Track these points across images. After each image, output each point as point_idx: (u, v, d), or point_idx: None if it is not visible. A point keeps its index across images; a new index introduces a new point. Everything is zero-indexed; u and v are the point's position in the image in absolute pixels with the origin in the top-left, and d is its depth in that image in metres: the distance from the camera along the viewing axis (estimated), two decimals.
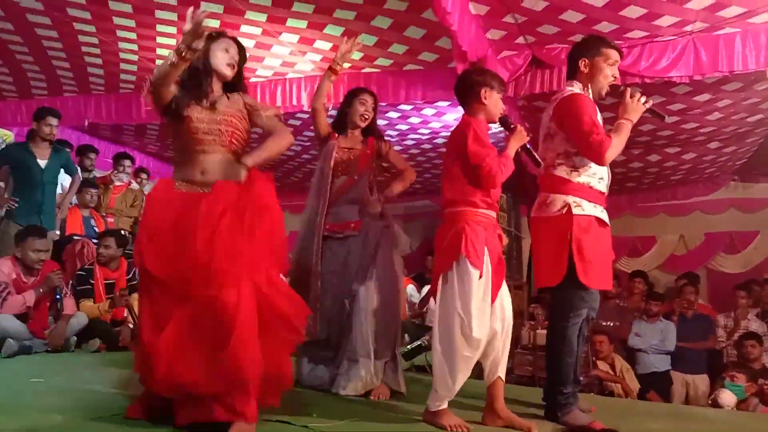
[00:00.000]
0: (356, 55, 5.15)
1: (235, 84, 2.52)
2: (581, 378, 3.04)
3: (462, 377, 2.41)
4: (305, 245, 3.28)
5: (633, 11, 4.10)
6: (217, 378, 2.04)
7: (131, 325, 4.58)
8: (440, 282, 2.50)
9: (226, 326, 2.05)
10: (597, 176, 2.69)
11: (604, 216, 2.69)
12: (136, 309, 5.04)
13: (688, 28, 4.28)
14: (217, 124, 2.37)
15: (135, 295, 5.09)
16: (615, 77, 2.78)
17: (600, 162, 2.63)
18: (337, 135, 3.39)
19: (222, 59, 2.44)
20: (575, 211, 2.60)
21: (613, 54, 2.76)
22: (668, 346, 5.78)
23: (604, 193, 2.73)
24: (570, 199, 2.63)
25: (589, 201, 2.65)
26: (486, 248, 2.46)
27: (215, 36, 2.47)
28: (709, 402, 4.92)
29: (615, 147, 2.60)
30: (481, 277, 2.40)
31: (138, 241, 2.36)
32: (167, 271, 2.16)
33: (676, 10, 4.06)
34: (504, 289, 2.55)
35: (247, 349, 2.05)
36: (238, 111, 2.45)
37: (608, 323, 6.18)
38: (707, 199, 8.46)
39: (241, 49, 2.52)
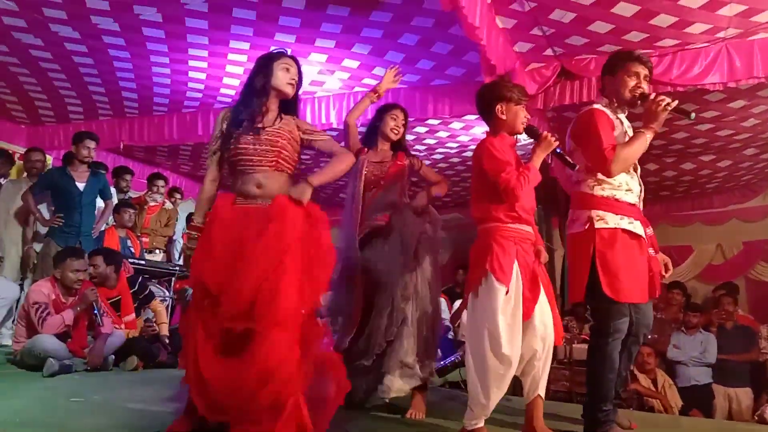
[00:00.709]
0: (383, 72, 5.19)
1: (293, 103, 2.57)
2: (621, 392, 2.97)
3: (496, 395, 2.38)
4: (346, 258, 3.28)
5: (663, 20, 4.05)
6: (261, 407, 2.08)
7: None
8: (470, 298, 2.49)
9: (273, 361, 2.09)
10: (623, 188, 2.64)
11: (635, 227, 2.61)
12: (163, 317, 5.15)
13: (721, 34, 4.21)
14: (264, 144, 2.41)
15: (155, 302, 5.21)
16: (641, 88, 2.70)
17: (606, 173, 2.59)
18: (366, 150, 3.40)
19: (283, 78, 2.49)
20: (597, 225, 2.57)
21: (634, 66, 2.71)
22: (709, 359, 5.62)
23: (634, 205, 2.66)
24: (593, 213, 2.59)
25: (616, 213, 2.60)
26: (516, 263, 2.43)
27: (276, 55, 2.52)
28: (755, 417, 4.76)
29: (622, 157, 2.54)
30: (507, 292, 2.38)
31: (196, 256, 2.40)
32: (224, 286, 2.20)
33: (707, 17, 4.00)
34: (545, 306, 2.51)
35: (285, 384, 2.09)
36: (287, 132, 2.47)
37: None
38: (744, 207, 8.25)
39: (300, 69, 2.57)
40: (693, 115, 2.62)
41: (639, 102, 2.70)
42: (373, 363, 3.10)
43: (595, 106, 2.73)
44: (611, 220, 2.59)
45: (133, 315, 4.93)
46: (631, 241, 2.58)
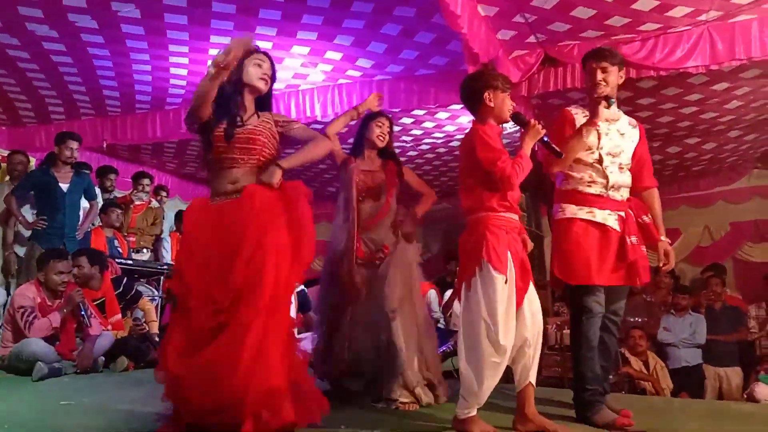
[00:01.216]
0: (367, 63, 5.17)
1: (267, 98, 2.56)
2: (611, 376, 3.02)
3: (490, 384, 2.38)
4: (335, 271, 3.29)
5: (645, 3, 4.05)
6: (247, 399, 2.06)
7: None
8: (463, 289, 2.48)
9: (254, 347, 2.08)
10: (585, 181, 2.82)
11: (594, 216, 2.78)
12: (153, 315, 5.11)
13: (703, 17, 4.22)
14: (245, 143, 2.40)
15: (144, 300, 5.17)
16: (599, 84, 2.84)
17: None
18: (354, 159, 3.40)
19: (255, 73, 2.48)
20: (557, 216, 2.85)
21: (589, 63, 2.90)
22: (699, 340, 5.67)
23: (600, 195, 2.80)
24: (558, 206, 2.86)
25: (576, 205, 2.81)
26: (509, 252, 2.44)
27: (247, 51, 2.49)
28: (744, 396, 4.82)
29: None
30: (506, 282, 2.38)
31: (178, 256, 2.43)
32: (205, 282, 2.20)
33: (689, 0, 4.01)
34: (533, 295, 2.51)
35: (275, 368, 2.09)
36: (267, 129, 2.47)
37: (636, 319, 6.09)
38: (730, 189, 8.32)
39: (272, 64, 2.55)
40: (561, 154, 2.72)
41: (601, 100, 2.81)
42: (365, 386, 3.16)
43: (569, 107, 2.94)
44: (569, 211, 2.82)
45: (119, 315, 4.88)
46: (587, 229, 2.77)
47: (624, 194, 2.88)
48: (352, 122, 3.54)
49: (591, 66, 2.88)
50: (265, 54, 2.55)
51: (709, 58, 4.32)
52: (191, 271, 2.25)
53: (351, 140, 3.65)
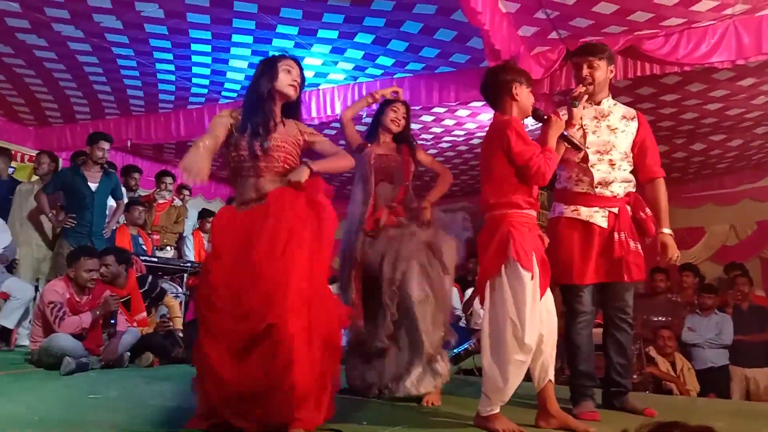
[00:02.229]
0: (388, 61, 5.18)
1: (296, 105, 2.56)
2: (635, 375, 3.03)
3: (514, 382, 2.37)
4: (349, 248, 3.30)
5: None
6: (274, 396, 2.10)
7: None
8: (488, 287, 2.46)
9: (284, 352, 2.09)
10: (573, 180, 2.86)
11: (578, 214, 2.81)
12: (177, 311, 5.16)
13: (728, 11, 4.15)
14: (270, 152, 2.40)
15: (168, 297, 5.21)
16: (584, 80, 2.86)
17: None
18: (369, 144, 3.41)
19: (285, 80, 2.47)
20: (550, 215, 2.91)
21: (574, 60, 2.98)
22: (725, 340, 5.57)
23: (586, 193, 2.83)
24: (554, 205, 2.91)
25: (565, 204, 2.86)
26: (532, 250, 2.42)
27: (277, 57, 2.50)
28: None
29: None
30: (532, 278, 2.36)
31: (205, 262, 2.45)
32: (235, 285, 2.21)
33: None
34: (547, 292, 2.50)
35: (304, 370, 2.10)
36: (292, 137, 2.48)
37: (659, 318, 6.01)
38: (757, 186, 8.16)
39: (302, 70, 2.54)
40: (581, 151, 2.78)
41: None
42: (385, 359, 3.12)
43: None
44: (558, 210, 2.88)
45: (144, 313, 4.96)
46: (571, 228, 2.82)
47: (617, 190, 2.83)
48: (368, 108, 3.55)
49: (577, 62, 2.89)
50: (294, 60, 2.54)
51: (735, 53, 4.25)
52: (219, 273, 2.26)
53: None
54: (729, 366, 5.61)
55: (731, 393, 5.49)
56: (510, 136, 2.44)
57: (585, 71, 2.84)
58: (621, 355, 2.88)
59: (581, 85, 2.82)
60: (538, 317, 2.39)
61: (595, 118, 2.87)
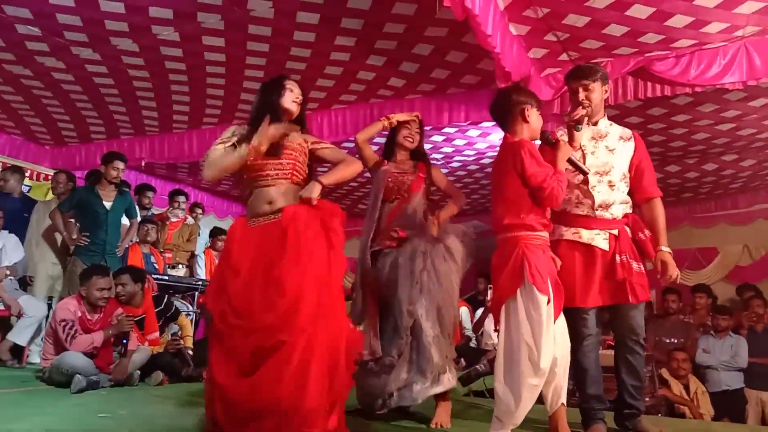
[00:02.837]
0: (398, 82, 5.22)
1: (300, 121, 2.75)
2: (647, 398, 2.99)
3: (527, 405, 2.35)
4: (361, 264, 3.31)
5: (679, 20, 4.01)
6: (283, 414, 2.11)
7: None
8: (503, 310, 2.45)
9: (293, 370, 2.13)
10: (573, 202, 2.83)
11: (579, 237, 2.79)
12: (189, 330, 5.15)
13: (739, 33, 4.16)
14: (278, 159, 2.54)
15: (181, 316, 5.21)
16: (581, 103, 2.86)
17: None
18: (386, 162, 3.42)
19: (289, 97, 2.69)
20: (550, 237, 2.75)
21: (569, 84, 2.93)
22: (740, 363, 5.48)
23: (586, 216, 2.80)
24: (553, 227, 2.76)
25: (565, 225, 2.82)
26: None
27: (281, 77, 2.74)
28: None
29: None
30: (549, 302, 2.35)
31: (214, 281, 2.51)
32: (247, 301, 2.27)
33: (724, 15, 3.96)
34: (560, 314, 2.49)
35: (314, 388, 2.12)
36: (298, 145, 2.64)
37: (672, 340, 5.94)
38: None
39: (302, 91, 2.75)
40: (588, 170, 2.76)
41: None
42: (391, 372, 3.08)
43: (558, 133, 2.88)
44: (557, 232, 2.80)
45: (157, 333, 4.98)
46: (572, 251, 2.78)
47: (616, 211, 2.82)
48: (384, 131, 3.55)
49: (572, 86, 2.88)
50: (295, 81, 2.75)
51: (747, 74, 4.25)
52: (233, 289, 2.31)
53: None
54: (744, 389, 5.52)
55: (746, 417, 5.40)
56: (524, 158, 2.44)
57: (581, 95, 2.84)
58: (633, 376, 2.85)
59: (581, 107, 2.81)
60: (552, 340, 2.37)
61: (593, 139, 2.87)
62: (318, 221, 2.39)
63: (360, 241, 3.36)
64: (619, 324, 2.85)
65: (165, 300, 5.23)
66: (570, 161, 2.61)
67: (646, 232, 2.84)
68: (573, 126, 2.75)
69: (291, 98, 2.68)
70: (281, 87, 2.68)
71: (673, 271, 2.80)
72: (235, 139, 2.58)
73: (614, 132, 2.92)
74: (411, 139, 3.40)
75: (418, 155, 3.45)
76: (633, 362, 2.84)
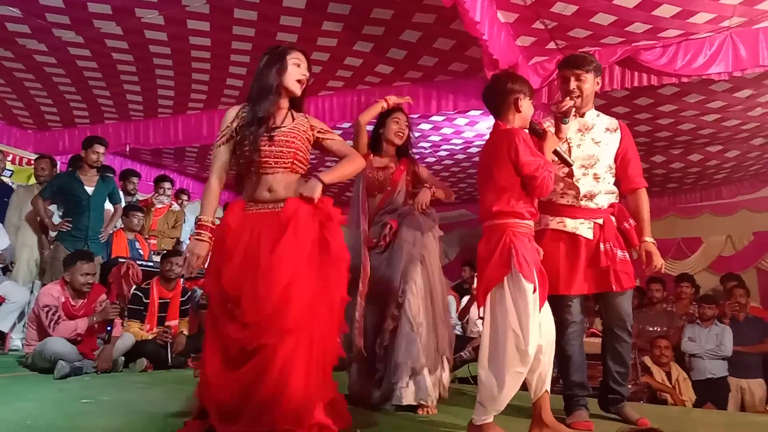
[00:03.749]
0: (386, 69, 5.20)
1: (300, 100, 2.52)
2: (629, 385, 3.04)
3: (511, 392, 2.36)
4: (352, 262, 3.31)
5: (666, 10, 4.03)
6: (269, 412, 2.09)
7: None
8: (489, 297, 2.45)
9: (281, 373, 2.09)
10: (558, 192, 2.85)
11: (563, 226, 2.82)
12: (186, 332, 5.12)
13: (726, 23, 4.18)
14: (279, 146, 2.36)
15: (185, 321, 5.18)
16: (571, 92, 2.85)
17: None
18: (371, 155, 3.42)
19: (294, 75, 2.42)
20: (535, 227, 2.72)
21: (561, 72, 2.90)
22: (725, 351, 5.55)
23: (571, 205, 2.84)
24: (540, 216, 2.74)
25: (550, 215, 2.84)
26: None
27: (286, 49, 2.45)
28: (767, 408, 4.73)
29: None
30: (534, 291, 2.36)
31: (211, 264, 2.38)
32: (243, 294, 2.19)
33: (711, 6, 3.98)
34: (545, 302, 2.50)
35: (299, 387, 2.10)
36: (302, 132, 2.43)
37: (655, 329, 6.01)
38: (754, 197, 8.20)
39: (309, 65, 2.50)
40: (572, 161, 2.73)
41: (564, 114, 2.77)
42: (382, 368, 3.11)
43: (545, 124, 2.83)
44: (543, 221, 2.82)
45: (177, 321, 5.00)
46: (556, 239, 2.81)
47: (601, 201, 2.84)
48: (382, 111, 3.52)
49: (564, 74, 2.86)
50: (303, 52, 2.47)
51: (732, 65, 4.28)
52: (227, 277, 2.23)
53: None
54: (727, 377, 5.61)
55: (727, 403, 5.49)
56: (519, 146, 2.41)
57: (573, 84, 2.82)
58: (619, 363, 2.89)
59: (569, 98, 2.77)
60: (538, 328, 2.39)
61: (579, 131, 2.87)
62: (317, 220, 2.30)
63: (349, 238, 3.35)
64: (606, 312, 2.89)
65: (189, 293, 5.28)
66: (555, 152, 2.60)
67: (631, 221, 2.86)
68: (560, 118, 2.72)
69: (296, 76, 2.41)
70: (284, 61, 2.39)
71: (658, 261, 2.82)
72: (235, 125, 2.39)
73: (601, 123, 2.92)
74: (401, 135, 3.41)
75: (403, 151, 3.46)
76: (619, 349, 2.87)
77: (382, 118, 3.46)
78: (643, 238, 2.85)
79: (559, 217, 2.83)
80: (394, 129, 3.39)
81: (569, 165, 2.71)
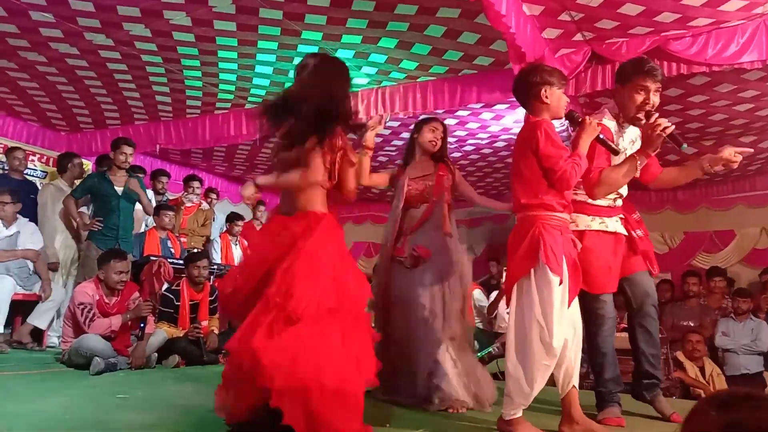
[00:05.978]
0: (411, 65, 5.19)
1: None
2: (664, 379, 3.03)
3: (539, 386, 2.35)
4: (379, 274, 3.38)
5: None
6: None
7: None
8: (515, 289, 2.45)
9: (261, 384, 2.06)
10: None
11: (606, 226, 2.82)
12: (217, 330, 5.19)
13: (758, 10, 4.07)
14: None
15: (215, 319, 5.26)
16: (648, 104, 2.78)
17: (590, 196, 2.77)
18: (405, 167, 3.43)
19: (352, 111, 2.51)
20: (570, 227, 2.64)
21: (644, 81, 2.79)
22: (761, 346, 5.44)
23: (608, 206, 2.85)
24: (573, 217, 2.69)
25: (587, 215, 2.82)
26: (563, 254, 2.40)
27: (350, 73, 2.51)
28: None
29: (607, 182, 2.67)
30: (561, 283, 2.34)
31: (241, 263, 2.48)
32: (249, 287, 2.26)
33: None
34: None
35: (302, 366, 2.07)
36: (339, 149, 2.40)
37: (688, 323, 5.91)
38: None
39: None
40: (685, 146, 2.63)
41: (642, 120, 2.73)
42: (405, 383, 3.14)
43: (603, 119, 2.77)
44: (581, 223, 2.79)
45: (207, 322, 5.09)
46: (599, 240, 2.79)
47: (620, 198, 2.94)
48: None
49: (646, 85, 2.75)
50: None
51: (766, 53, 4.17)
52: (246, 271, 2.31)
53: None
54: (763, 373, 5.48)
55: None
56: (539, 137, 2.40)
57: (654, 98, 2.76)
58: (651, 344, 2.90)
59: (655, 112, 2.68)
60: (564, 321, 2.37)
61: (632, 141, 2.89)
62: (337, 237, 2.34)
63: (381, 250, 3.39)
64: (633, 292, 2.90)
65: (216, 292, 5.35)
66: (599, 140, 2.56)
67: (636, 214, 3.03)
68: (670, 136, 2.56)
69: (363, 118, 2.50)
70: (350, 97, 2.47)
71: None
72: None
73: (638, 132, 2.91)
74: (435, 143, 3.42)
75: (440, 157, 3.45)
76: (649, 328, 2.89)
77: (419, 126, 3.48)
78: (698, 161, 2.89)
79: (600, 218, 2.83)
80: (428, 137, 3.41)
81: (617, 153, 2.66)
